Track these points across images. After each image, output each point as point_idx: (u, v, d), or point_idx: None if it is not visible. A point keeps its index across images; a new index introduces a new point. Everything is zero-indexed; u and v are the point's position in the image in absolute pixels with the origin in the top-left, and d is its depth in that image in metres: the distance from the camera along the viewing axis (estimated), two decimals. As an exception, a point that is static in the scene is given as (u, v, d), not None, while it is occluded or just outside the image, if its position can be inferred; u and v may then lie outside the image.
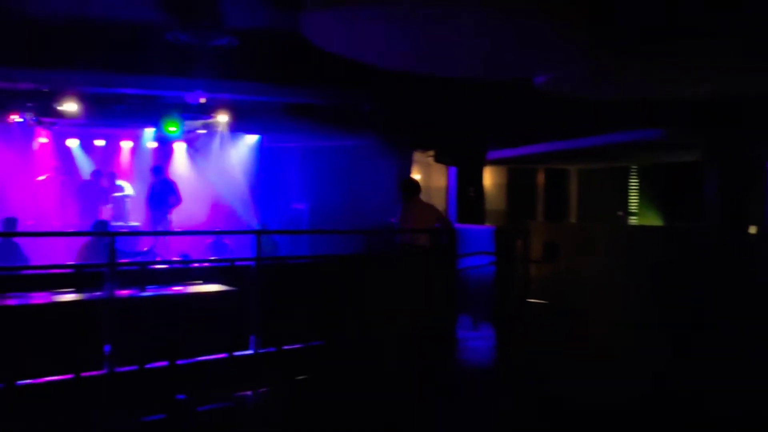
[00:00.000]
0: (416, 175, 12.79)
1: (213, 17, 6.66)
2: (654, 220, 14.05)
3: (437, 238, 7.02)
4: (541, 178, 15.34)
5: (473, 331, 7.49)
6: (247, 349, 5.55)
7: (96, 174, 11.19)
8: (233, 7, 6.52)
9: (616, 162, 14.26)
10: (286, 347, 5.72)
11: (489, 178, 13.80)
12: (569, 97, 8.07)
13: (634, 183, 14.60)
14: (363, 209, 10.81)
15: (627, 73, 6.80)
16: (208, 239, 10.78)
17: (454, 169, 11.32)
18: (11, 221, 8.47)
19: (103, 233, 7.57)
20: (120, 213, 11.10)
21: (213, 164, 12.10)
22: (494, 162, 13.00)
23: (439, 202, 12.55)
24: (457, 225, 8.92)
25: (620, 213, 14.34)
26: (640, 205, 14.48)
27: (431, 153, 11.57)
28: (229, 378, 5.35)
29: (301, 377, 5.64)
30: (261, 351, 5.59)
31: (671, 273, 5.52)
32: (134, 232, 10.30)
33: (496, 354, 6.92)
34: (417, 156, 12.13)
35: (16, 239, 8.10)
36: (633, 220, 14.33)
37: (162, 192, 11.07)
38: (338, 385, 5.59)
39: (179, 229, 10.86)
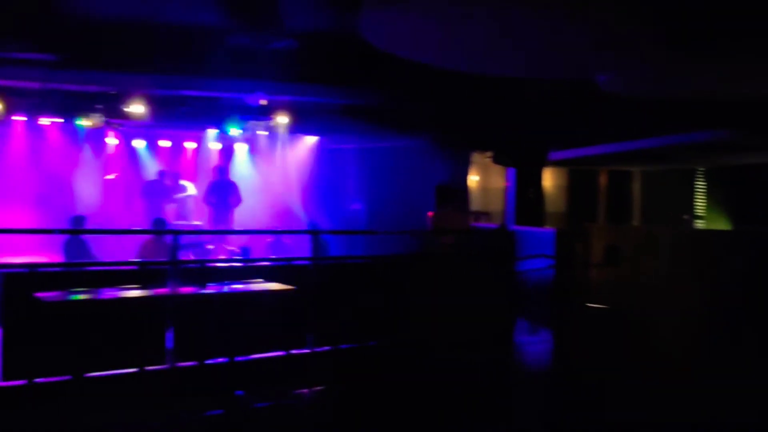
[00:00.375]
0: (474, 176, 12.68)
1: (274, 20, 6.75)
2: (722, 224, 13.56)
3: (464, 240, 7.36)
4: (603, 179, 15.00)
5: (531, 335, 7.38)
6: (303, 347, 5.60)
7: (161, 174, 11.50)
8: (293, 10, 6.59)
9: (682, 164, 13.81)
10: (343, 346, 5.75)
11: (549, 179, 13.57)
12: (633, 97, 7.87)
13: (700, 185, 14.13)
14: (420, 210, 10.79)
15: (693, 72, 6.58)
16: (268, 238, 10.95)
17: (513, 170, 11.18)
18: (79, 219, 8.80)
19: (164, 231, 7.76)
20: (183, 212, 11.38)
21: (273, 165, 12.28)
22: (554, 163, 12.77)
23: (497, 203, 12.42)
24: (516, 227, 8.80)
25: (686, 216, 13.90)
26: (708, 208, 14.00)
27: (489, 154, 11.46)
28: (286, 375, 5.42)
29: (356, 376, 5.66)
30: (317, 350, 5.63)
31: (740, 280, 5.30)
32: (194, 231, 10.53)
33: (554, 359, 6.79)
34: (475, 156, 12.03)
35: (84, 237, 8.41)
36: (700, 224, 13.87)
37: (223, 192, 11.30)
38: (393, 385, 5.59)
39: (240, 229, 11.08)
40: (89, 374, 4.71)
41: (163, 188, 11.34)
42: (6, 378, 4.56)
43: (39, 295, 4.66)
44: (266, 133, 10.99)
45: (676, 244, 5.98)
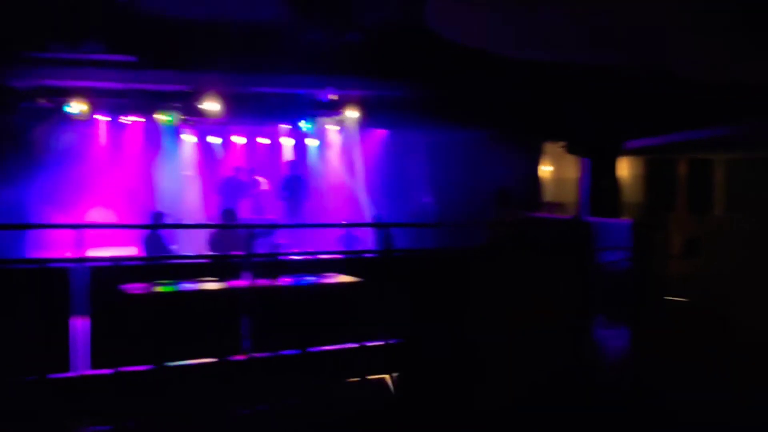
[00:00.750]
0: (547, 167, 12.45)
1: (342, 15, 6.80)
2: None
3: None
4: (682, 168, 14.45)
5: (608, 329, 7.20)
6: (376, 339, 5.65)
7: (236, 170, 11.78)
8: (361, 3, 6.63)
9: (768, 151, 13.16)
10: (414, 337, 5.76)
11: (625, 168, 13.18)
12: (713, 83, 7.54)
13: (788, 173, 13.42)
14: (490, 202, 10.67)
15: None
16: (339, 232, 11.06)
17: (587, 160, 10.91)
18: (158, 215, 9.15)
19: (237, 225, 7.95)
20: (257, 206, 11.63)
21: (343, 159, 12.40)
22: (631, 152, 12.39)
23: (571, 194, 12.15)
24: (591, 219, 8.60)
25: (772, 206, 13.24)
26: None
27: (563, 144, 11.22)
28: (360, 366, 5.47)
29: (427, 368, 5.65)
30: (390, 342, 5.66)
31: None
32: (265, 225, 10.74)
33: (632, 355, 6.60)
34: (548, 146, 11.80)
35: (162, 232, 8.74)
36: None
37: (295, 186, 11.50)
38: (465, 379, 5.56)
39: (312, 223, 11.25)
40: (170, 363, 4.89)
41: (239, 184, 11.62)
42: (94, 366, 4.78)
43: (123, 287, 4.86)
44: (336, 127, 11.09)
45: (760, 235, 5.72)
